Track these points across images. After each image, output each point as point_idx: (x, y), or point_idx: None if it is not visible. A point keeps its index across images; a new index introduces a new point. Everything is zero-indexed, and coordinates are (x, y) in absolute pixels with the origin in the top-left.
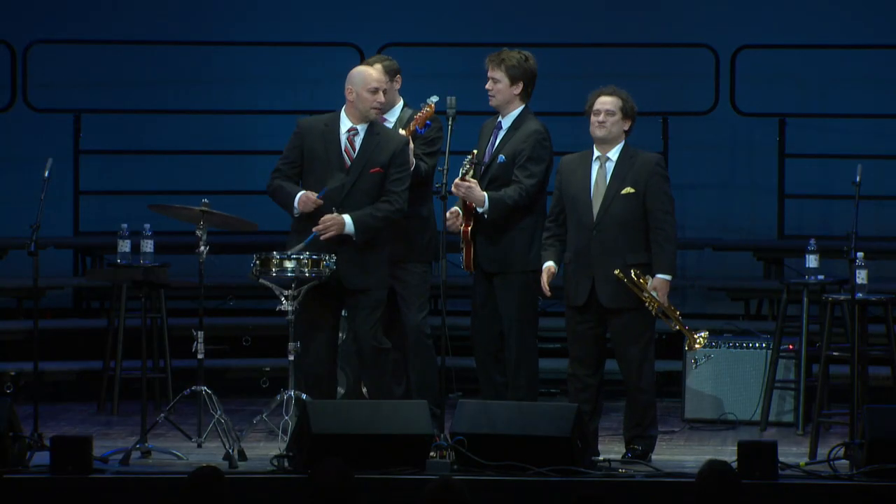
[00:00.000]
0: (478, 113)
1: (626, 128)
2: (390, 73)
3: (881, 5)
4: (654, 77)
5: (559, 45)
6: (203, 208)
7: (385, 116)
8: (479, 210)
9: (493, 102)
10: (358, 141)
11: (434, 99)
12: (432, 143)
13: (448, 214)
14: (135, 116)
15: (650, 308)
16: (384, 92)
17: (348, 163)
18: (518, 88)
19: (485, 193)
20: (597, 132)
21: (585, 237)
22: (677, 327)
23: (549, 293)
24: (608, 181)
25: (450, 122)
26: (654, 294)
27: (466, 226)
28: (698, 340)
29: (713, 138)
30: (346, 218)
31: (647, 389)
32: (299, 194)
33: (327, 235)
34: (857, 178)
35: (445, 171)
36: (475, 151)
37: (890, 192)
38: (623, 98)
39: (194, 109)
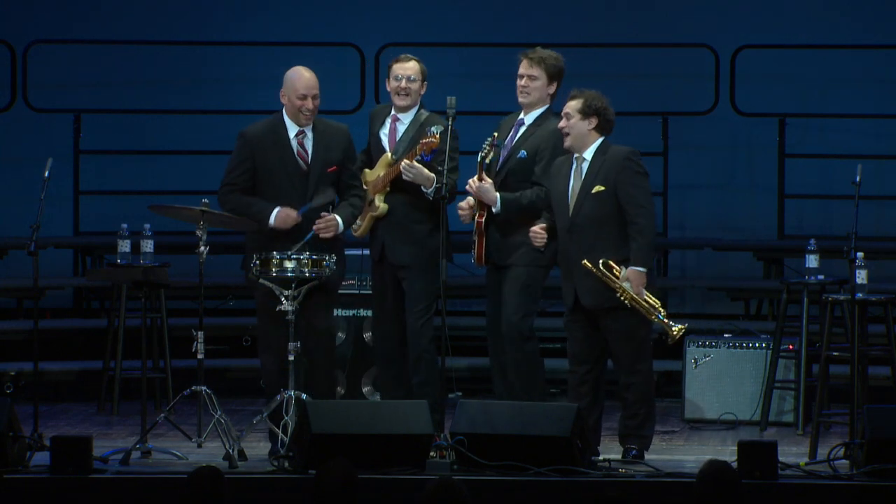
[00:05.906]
0: (478, 113)
1: (592, 126)
2: (422, 75)
3: (881, 5)
4: (654, 77)
5: (559, 45)
6: (203, 208)
7: (399, 116)
8: (494, 210)
9: (525, 100)
10: (308, 143)
11: (440, 129)
12: (453, 159)
13: (463, 205)
14: (135, 116)
15: (623, 299)
16: (313, 98)
17: (304, 167)
18: (552, 88)
19: (497, 195)
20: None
21: (565, 239)
22: (654, 319)
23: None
24: (582, 181)
25: (450, 122)
26: (625, 286)
27: (480, 217)
28: (674, 329)
29: (713, 138)
30: (338, 218)
31: (640, 388)
32: (277, 210)
33: (327, 235)
34: (857, 178)
35: (445, 172)
36: (496, 134)
37: (890, 192)
38: (582, 98)
39: (194, 109)
